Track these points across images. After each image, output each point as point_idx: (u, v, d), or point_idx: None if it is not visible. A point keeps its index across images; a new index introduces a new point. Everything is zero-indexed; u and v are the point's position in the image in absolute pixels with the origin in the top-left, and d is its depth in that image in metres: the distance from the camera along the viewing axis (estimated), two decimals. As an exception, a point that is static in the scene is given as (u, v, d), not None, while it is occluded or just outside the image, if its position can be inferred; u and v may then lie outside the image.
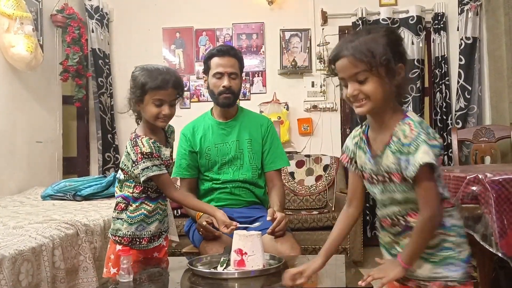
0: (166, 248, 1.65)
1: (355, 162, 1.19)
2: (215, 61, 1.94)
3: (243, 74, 2.19)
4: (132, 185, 1.55)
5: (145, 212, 1.54)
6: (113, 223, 1.57)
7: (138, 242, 1.54)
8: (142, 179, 1.50)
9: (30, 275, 1.31)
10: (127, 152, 1.54)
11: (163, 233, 1.62)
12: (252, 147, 1.98)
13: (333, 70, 1.13)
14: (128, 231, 1.53)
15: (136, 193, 1.55)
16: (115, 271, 1.48)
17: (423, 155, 1.02)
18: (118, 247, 1.51)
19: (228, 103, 1.95)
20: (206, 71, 2.00)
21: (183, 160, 1.99)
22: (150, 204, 1.56)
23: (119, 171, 1.59)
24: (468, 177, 1.49)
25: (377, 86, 1.07)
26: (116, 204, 1.57)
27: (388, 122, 1.11)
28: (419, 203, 1.08)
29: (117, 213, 1.56)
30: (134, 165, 1.51)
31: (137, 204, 1.54)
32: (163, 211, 1.61)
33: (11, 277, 1.21)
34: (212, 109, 2.07)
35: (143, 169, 1.49)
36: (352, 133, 1.22)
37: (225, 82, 1.92)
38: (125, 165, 1.55)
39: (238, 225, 1.58)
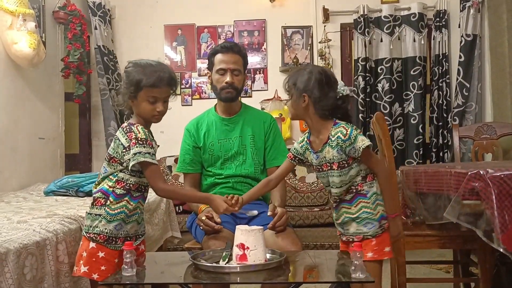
0: (144, 252, 1.58)
1: (297, 159, 1.69)
2: (218, 57, 1.95)
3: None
4: (114, 179, 1.48)
5: (125, 210, 1.48)
6: (89, 219, 1.49)
7: (113, 242, 1.47)
8: (132, 163, 1.43)
9: (35, 268, 1.32)
10: (118, 139, 1.48)
11: (139, 236, 1.55)
12: (255, 143, 2.00)
13: None
14: (105, 229, 1.46)
15: (118, 188, 1.48)
16: (86, 269, 1.43)
17: (363, 142, 1.52)
18: (92, 244, 1.45)
19: (230, 97, 1.96)
20: (210, 67, 2.00)
21: (187, 155, 2.01)
22: (132, 203, 1.50)
23: (104, 164, 1.52)
24: (469, 173, 1.49)
25: (290, 106, 1.60)
26: (95, 200, 1.50)
27: (322, 129, 1.57)
28: (374, 170, 1.58)
29: (96, 208, 1.49)
30: (125, 151, 1.45)
31: (118, 200, 1.48)
32: (141, 213, 1.56)
33: (16, 270, 1.22)
34: (216, 105, 2.08)
35: (134, 154, 1.43)
36: (299, 140, 1.68)
37: (228, 78, 1.92)
38: (116, 152, 1.48)
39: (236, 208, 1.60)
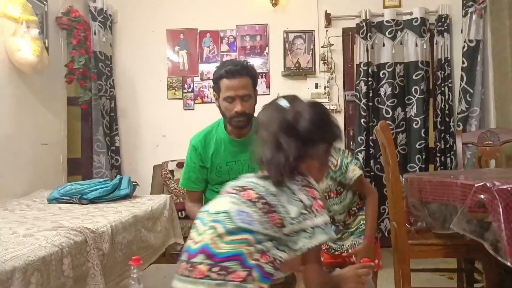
0: None
1: None
2: (225, 83, 1.79)
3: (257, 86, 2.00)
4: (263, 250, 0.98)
5: None
6: None
7: None
8: (309, 244, 0.97)
9: (40, 284, 1.30)
10: (291, 190, 1.04)
11: None
12: None
13: None
14: None
15: (265, 263, 0.97)
16: None
17: (354, 172, 1.60)
18: None
19: (241, 125, 1.84)
20: (216, 91, 1.86)
21: (192, 173, 1.94)
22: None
23: (250, 214, 1.01)
24: (476, 185, 1.48)
25: None
26: (225, 268, 0.96)
27: None
28: (366, 195, 1.73)
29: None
30: (302, 215, 1.00)
31: (263, 283, 0.96)
32: None
33: (22, 288, 1.21)
34: (225, 121, 1.95)
35: (316, 227, 0.98)
36: None
37: (238, 107, 1.77)
38: (283, 208, 1.01)
39: None
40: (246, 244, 0.98)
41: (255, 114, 1.86)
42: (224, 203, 1.08)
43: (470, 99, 3.70)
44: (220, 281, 0.94)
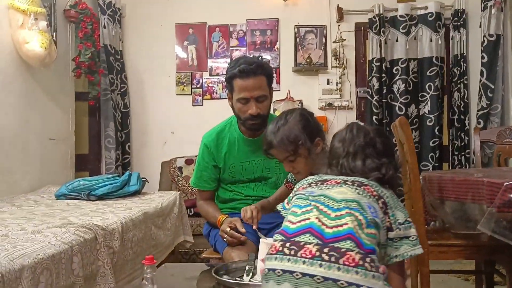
0: None
1: None
2: (238, 83, 1.70)
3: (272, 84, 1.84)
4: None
5: None
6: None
7: None
8: (412, 251, 1.01)
9: (49, 284, 1.25)
10: (395, 198, 1.08)
11: None
12: (280, 167, 1.77)
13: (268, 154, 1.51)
14: None
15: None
16: None
17: None
18: None
19: (256, 128, 1.75)
20: (230, 90, 1.76)
21: (204, 172, 1.87)
22: None
23: (377, 210, 1.02)
24: (505, 184, 1.41)
25: (303, 163, 1.43)
26: (367, 255, 0.93)
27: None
28: None
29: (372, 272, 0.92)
30: (407, 222, 1.04)
31: None
32: None
33: None
34: (239, 121, 1.86)
35: (417, 238, 1.03)
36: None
37: (252, 109, 1.69)
38: (392, 211, 1.04)
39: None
40: (376, 241, 0.96)
41: (271, 111, 1.81)
42: (347, 192, 1.03)
43: (491, 95, 3.57)
44: (374, 272, 0.91)
